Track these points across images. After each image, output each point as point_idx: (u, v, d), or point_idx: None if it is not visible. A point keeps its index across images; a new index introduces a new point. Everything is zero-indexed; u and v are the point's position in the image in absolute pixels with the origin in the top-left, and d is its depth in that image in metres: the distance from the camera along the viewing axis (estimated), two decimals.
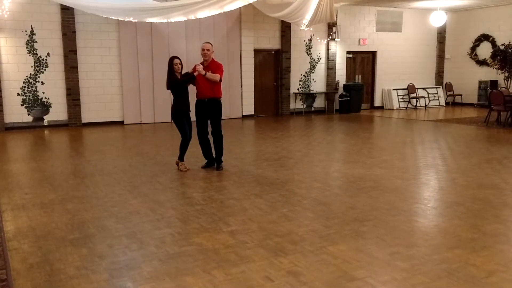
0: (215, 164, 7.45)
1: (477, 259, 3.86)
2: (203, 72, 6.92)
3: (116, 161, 8.11)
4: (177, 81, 7.10)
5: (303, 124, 13.42)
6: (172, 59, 7.13)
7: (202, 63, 7.20)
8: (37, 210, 5.30)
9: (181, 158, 7.33)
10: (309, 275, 3.58)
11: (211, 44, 7.32)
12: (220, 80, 7.17)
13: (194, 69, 7.02)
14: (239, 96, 14.81)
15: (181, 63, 7.14)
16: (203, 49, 7.17)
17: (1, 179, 6.79)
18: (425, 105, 17.87)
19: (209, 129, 7.45)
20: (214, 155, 7.49)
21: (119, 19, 12.29)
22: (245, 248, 4.13)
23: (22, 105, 12.14)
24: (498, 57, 15.73)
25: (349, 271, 3.63)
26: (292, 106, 15.88)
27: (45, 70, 12.26)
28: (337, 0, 14.18)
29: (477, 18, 17.54)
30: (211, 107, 7.24)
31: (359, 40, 16.80)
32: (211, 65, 7.19)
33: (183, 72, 7.27)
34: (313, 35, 15.88)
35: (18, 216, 5.10)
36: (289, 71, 15.58)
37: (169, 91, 7.35)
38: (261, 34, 14.98)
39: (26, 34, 11.95)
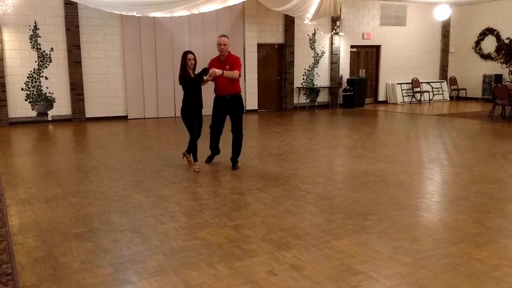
0: (231, 164, 7.09)
1: (481, 253, 3.85)
2: (220, 72, 6.56)
3: (120, 156, 8.13)
4: (189, 79, 6.78)
5: (307, 119, 13.40)
6: (185, 54, 6.80)
7: (218, 58, 6.93)
8: (41, 204, 5.33)
9: (194, 158, 7.01)
10: (312, 269, 3.58)
11: (227, 37, 6.92)
12: (239, 76, 6.88)
13: (209, 73, 6.60)
14: (243, 90, 14.75)
15: (194, 59, 6.81)
16: (219, 44, 6.78)
17: (6, 174, 6.82)
18: (429, 100, 17.81)
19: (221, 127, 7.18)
20: (223, 152, 7.22)
21: (123, 13, 12.28)
22: (249, 242, 4.14)
23: (26, 100, 12.16)
24: (503, 51, 15.63)
25: (353, 265, 3.64)
26: (295, 100, 15.86)
27: (49, 65, 12.27)
28: None
29: (482, 12, 17.44)
30: (233, 104, 6.91)
31: (363, 34, 16.74)
32: (229, 60, 6.86)
33: (197, 68, 6.97)
34: (317, 29, 15.83)
35: (23, 210, 5.12)
36: (293, 66, 15.55)
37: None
38: (264, 28, 14.94)
39: (30, 29, 11.95)
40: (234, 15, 14.25)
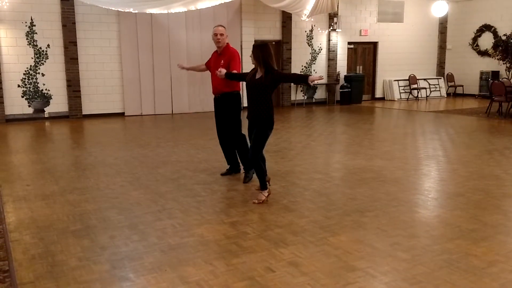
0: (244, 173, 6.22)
1: (477, 249, 3.87)
2: (221, 74, 5.73)
3: (117, 153, 8.11)
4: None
5: (304, 116, 13.40)
6: (270, 46, 5.36)
7: (216, 51, 6.23)
8: (38, 201, 5.32)
9: (262, 184, 5.32)
10: (310, 265, 3.59)
11: (224, 27, 6.12)
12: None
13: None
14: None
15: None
16: (215, 34, 5.97)
17: (3, 171, 6.80)
18: (426, 96, 17.83)
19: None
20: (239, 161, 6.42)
21: (119, 10, 12.23)
22: (246, 239, 4.14)
23: (22, 96, 12.12)
24: (500, 48, 15.65)
25: (350, 262, 3.64)
26: (293, 97, 15.85)
27: (45, 61, 12.22)
28: None
29: (479, 8, 17.45)
30: (224, 103, 6.16)
31: (360, 30, 16.72)
32: (226, 53, 6.07)
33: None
34: (314, 25, 15.81)
35: (20, 207, 5.11)
36: (290, 62, 15.53)
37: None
38: (262, 24, 14.91)
39: (26, 26, 11.90)
40: (231, 12, 14.21)
